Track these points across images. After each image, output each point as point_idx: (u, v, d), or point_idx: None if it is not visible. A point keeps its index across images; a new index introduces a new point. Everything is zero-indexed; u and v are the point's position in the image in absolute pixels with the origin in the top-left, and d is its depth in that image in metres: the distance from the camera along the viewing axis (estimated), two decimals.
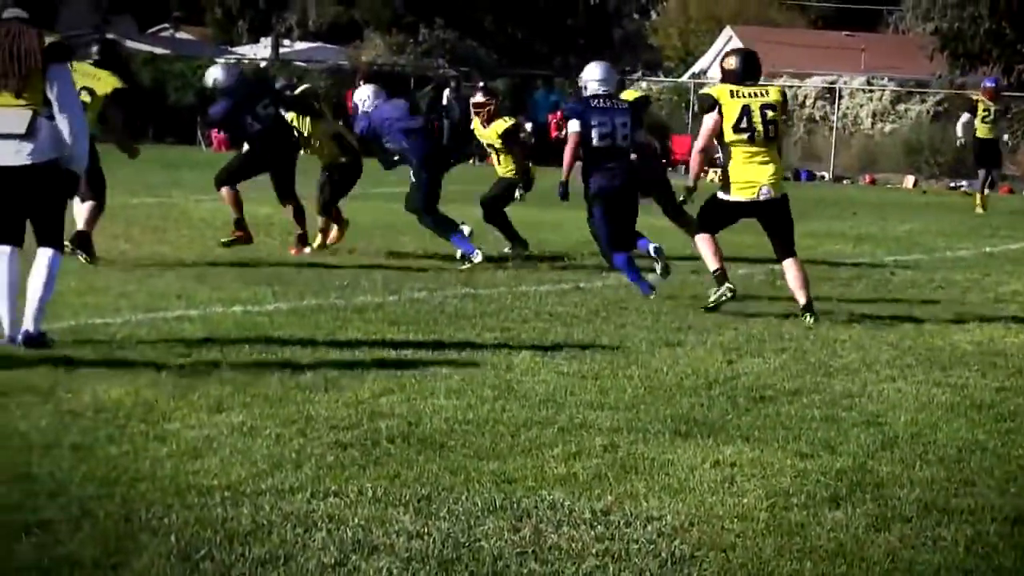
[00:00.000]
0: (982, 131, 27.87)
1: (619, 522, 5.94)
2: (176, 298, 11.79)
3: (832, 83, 46.68)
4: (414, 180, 15.41)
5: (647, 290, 13.00)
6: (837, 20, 73.75)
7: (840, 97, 45.32)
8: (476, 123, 16.71)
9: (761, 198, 12.08)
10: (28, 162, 9.16)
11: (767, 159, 12.10)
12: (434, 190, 15.44)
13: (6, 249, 9.34)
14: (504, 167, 16.40)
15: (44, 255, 9.37)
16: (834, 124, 44.25)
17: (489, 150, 16.70)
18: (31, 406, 7.56)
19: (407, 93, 45.54)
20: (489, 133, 16.40)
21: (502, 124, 16.36)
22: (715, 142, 12.20)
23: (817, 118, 46.03)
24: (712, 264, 12.25)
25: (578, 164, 13.41)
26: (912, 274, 15.92)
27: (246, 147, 15.73)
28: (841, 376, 9.42)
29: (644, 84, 48.66)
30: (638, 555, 5.57)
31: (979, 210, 27.72)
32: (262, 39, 62.23)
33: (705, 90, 12.59)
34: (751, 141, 12.00)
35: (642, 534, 5.81)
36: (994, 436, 7.79)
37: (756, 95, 12.10)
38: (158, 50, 51.29)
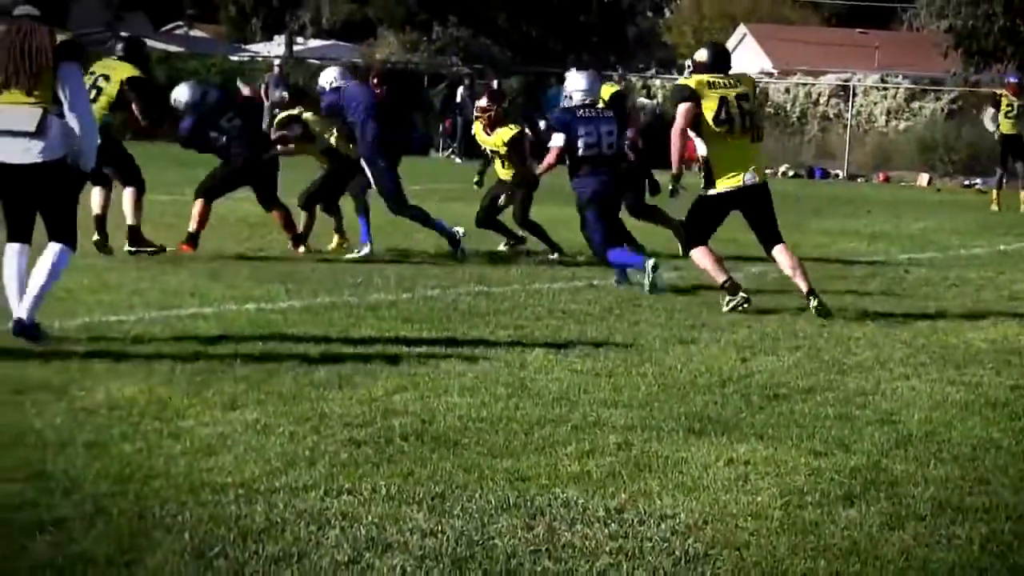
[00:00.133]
0: (1005, 127, 27.88)
1: (633, 520, 5.94)
2: (190, 296, 11.80)
3: (846, 81, 46.61)
4: (371, 172, 15.38)
5: (642, 263, 13.34)
6: (851, 17, 73.70)
7: (854, 95, 45.25)
8: (478, 128, 16.71)
9: (747, 183, 12.14)
10: (38, 160, 9.18)
11: (748, 149, 12.19)
12: (396, 179, 15.48)
13: (15, 246, 9.37)
14: (507, 171, 16.36)
15: (52, 248, 9.37)
16: (848, 122, 44.21)
17: (492, 154, 16.65)
18: (45, 404, 7.57)
19: (421, 91, 45.64)
20: (494, 140, 16.38)
21: (508, 132, 16.32)
22: (693, 134, 12.22)
23: (831, 116, 45.98)
24: (718, 277, 12.20)
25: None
26: (926, 272, 15.89)
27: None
28: (855, 374, 9.40)
29: (658, 82, 48.62)
30: (652, 553, 5.56)
31: (994, 207, 27.69)
32: (276, 37, 62.32)
33: (681, 81, 12.57)
34: (731, 132, 12.06)
35: (656, 532, 5.80)
36: (1009, 434, 7.78)
37: (730, 86, 12.17)
38: (172, 48, 51.33)
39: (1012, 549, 5.76)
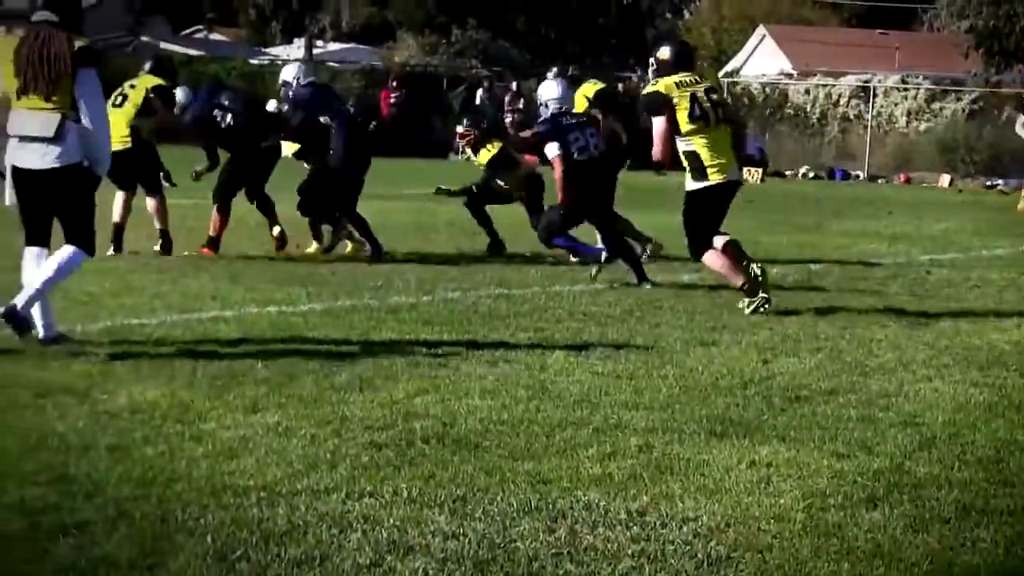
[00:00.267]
0: None
1: (655, 523, 5.92)
2: (211, 299, 11.82)
3: (866, 82, 46.52)
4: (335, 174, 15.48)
5: (596, 251, 13.93)
6: (871, 18, 73.50)
7: (874, 96, 45.17)
8: (468, 150, 16.77)
9: (733, 177, 12.30)
10: (56, 165, 9.20)
11: (725, 141, 12.30)
12: (355, 186, 15.56)
13: (33, 250, 9.40)
14: (514, 181, 16.28)
15: (65, 248, 9.38)
16: (868, 123, 44.13)
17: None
18: (68, 407, 7.58)
19: (440, 94, 45.69)
20: (479, 161, 16.45)
21: (486, 155, 16.31)
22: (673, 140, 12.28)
23: (851, 117, 45.90)
24: (736, 280, 12.19)
25: None
26: (948, 273, 15.85)
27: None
28: (877, 376, 9.38)
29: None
30: (674, 556, 5.55)
31: (1023, 205, 27.62)
32: (295, 40, 62.39)
33: (651, 87, 12.55)
34: (707, 127, 12.15)
35: (678, 535, 5.79)
36: None
37: (697, 82, 12.31)
38: (192, 52, 51.43)
39: None
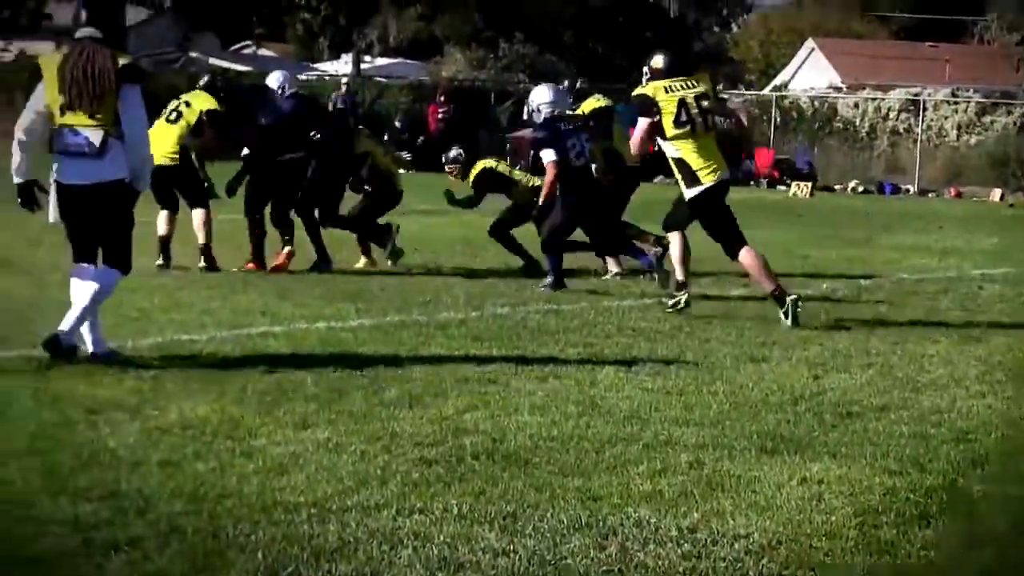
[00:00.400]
0: None
1: (706, 540, 5.90)
2: (260, 315, 11.85)
3: (916, 95, 46.32)
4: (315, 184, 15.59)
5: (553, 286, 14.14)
6: (920, 31, 73.24)
7: (924, 109, 44.96)
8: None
9: (724, 178, 12.39)
10: (99, 181, 9.26)
11: (712, 147, 12.39)
12: (337, 193, 15.62)
13: (84, 267, 9.44)
14: (519, 195, 16.19)
15: (101, 269, 9.42)
16: (918, 136, 43.92)
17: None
18: (119, 423, 7.61)
19: (487, 108, 45.71)
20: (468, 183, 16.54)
21: (471, 178, 16.37)
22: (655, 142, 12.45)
23: (901, 131, 45.69)
24: (768, 286, 12.24)
25: None
26: (1000, 288, 15.75)
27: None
28: (929, 392, 9.32)
29: (725, 97, 48.46)
30: (725, 573, 5.53)
31: None
32: (343, 55, 62.54)
33: (639, 91, 12.67)
34: (692, 133, 12.24)
35: (729, 552, 5.76)
36: None
37: (688, 87, 12.37)
38: (240, 67, 51.64)
39: None
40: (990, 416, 8.58)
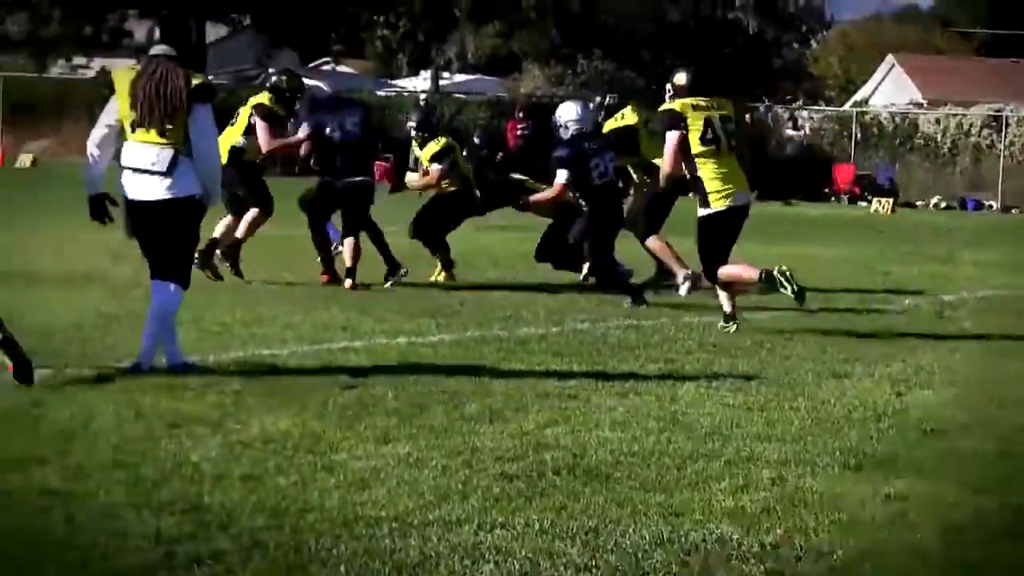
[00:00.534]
0: None
1: (789, 557, 5.85)
2: (341, 329, 11.88)
3: (998, 111, 45.94)
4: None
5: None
6: (1002, 47, 72.68)
7: (1007, 125, 44.59)
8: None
9: (739, 202, 12.48)
10: (167, 197, 9.32)
11: (734, 168, 12.51)
12: (327, 200, 15.52)
13: (161, 283, 9.47)
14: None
15: (165, 289, 9.48)
16: (1001, 152, 43.55)
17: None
18: (201, 437, 7.64)
19: None
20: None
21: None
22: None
23: (983, 147, 45.32)
24: (727, 305, 12.49)
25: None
26: None
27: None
28: (1014, 409, 9.21)
29: (805, 114, 48.27)
30: None
31: None
32: (422, 72, 62.76)
33: (666, 106, 12.76)
34: (717, 152, 12.38)
35: (813, 569, 5.72)
36: None
37: (713, 107, 12.53)
38: (319, 84, 51.87)
39: None
40: None
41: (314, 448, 7.48)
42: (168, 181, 9.31)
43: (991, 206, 41.60)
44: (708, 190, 12.32)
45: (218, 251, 15.21)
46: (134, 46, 46.67)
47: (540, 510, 6.41)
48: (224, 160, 14.46)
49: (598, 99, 17.57)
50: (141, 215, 9.43)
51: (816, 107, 51.85)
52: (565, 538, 6.00)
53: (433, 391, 9.13)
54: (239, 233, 15.21)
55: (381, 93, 50.46)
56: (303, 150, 15.37)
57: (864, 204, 39.49)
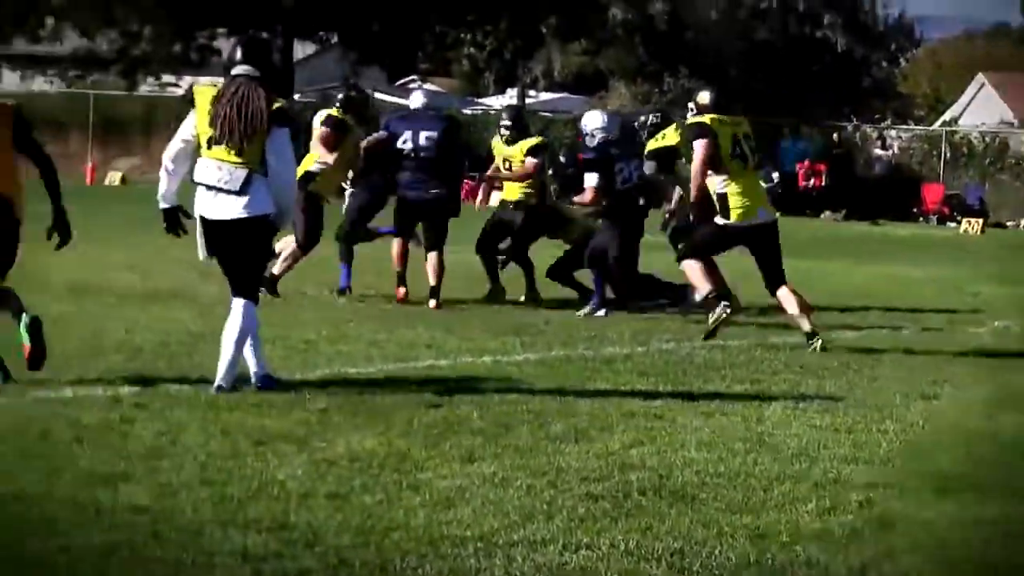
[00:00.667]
0: None
1: None
2: (426, 348, 11.90)
3: None
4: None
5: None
6: None
7: None
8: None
9: (760, 220, 12.64)
10: (243, 215, 9.36)
11: (756, 184, 12.89)
12: (365, 213, 15.62)
13: (236, 300, 9.51)
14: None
15: (238, 309, 9.50)
16: None
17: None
18: (287, 455, 7.67)
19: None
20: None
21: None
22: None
23: None
24: (704, 287, 12.69)
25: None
26: None
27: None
28: None
29: (893, 132, 47.94)
30: None
31: None
32: (508, 90, 62.87)
33: (693, 119, 13.03)
34: (744, 168, 12.63)
35: None
36: None
37: (736, 124, 12.83)
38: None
39: None
40: None
41: (399, 467, 7.49)
42: (243, 200, 9.35)
43: None
44: (732, 205, 12.54)
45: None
46: (223, 64, 46.86)
47: (625, 531, 6.39)
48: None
49: (643, 118, 17.62)
50: (217, 234, 9.48)
51: (905, 126, 51.47)
52: (650, 559, 5.98)
53: (518, 410, 9.13)
54: (276, 269, 15.04)
55: (468, 111, 50.57)
56: (363, 148, 15.40)
57: (953, 224, 39.17)
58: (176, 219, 9.65)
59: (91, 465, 7.22)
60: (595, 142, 15.03)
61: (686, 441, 8.36)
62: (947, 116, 60.06)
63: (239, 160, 9.35)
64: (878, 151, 44.80)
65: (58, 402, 8.83)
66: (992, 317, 15.45)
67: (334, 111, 15.53)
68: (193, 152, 9.58)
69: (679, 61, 57.22)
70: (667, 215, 15.49)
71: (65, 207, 9.60)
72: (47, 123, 47.93)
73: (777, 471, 7.66)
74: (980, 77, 65.48)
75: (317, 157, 15.30)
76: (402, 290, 15.13)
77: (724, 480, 7.43)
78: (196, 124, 9.52)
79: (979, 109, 60.91)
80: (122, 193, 36.38)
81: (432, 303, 14.85)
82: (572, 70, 64.79)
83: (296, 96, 44.63)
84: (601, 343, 12.56)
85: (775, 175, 43.58)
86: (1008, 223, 40.96)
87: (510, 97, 60.98)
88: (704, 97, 13.04)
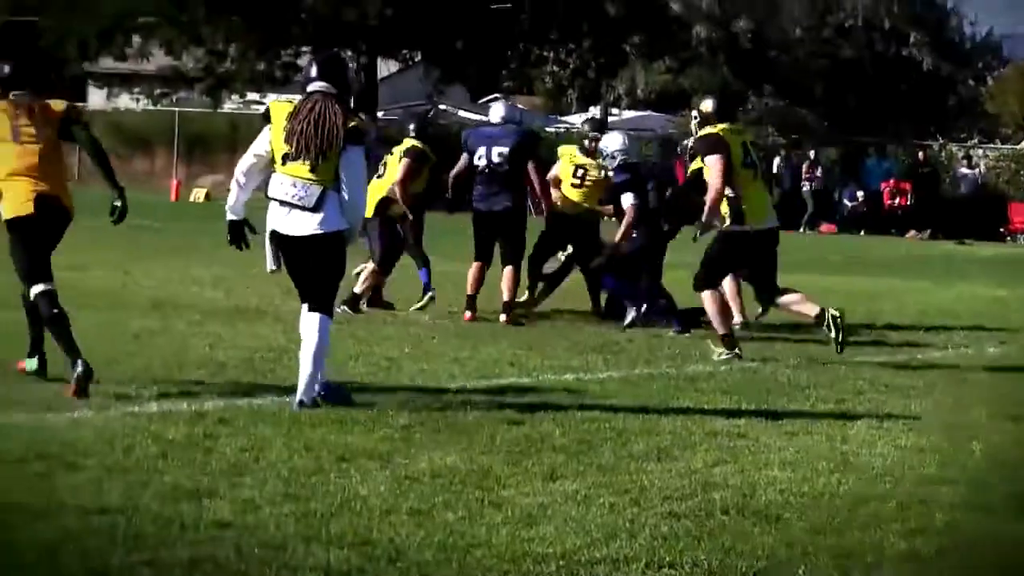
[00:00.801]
0: None
1: None
2: (509, 365, 11.91)
3: None
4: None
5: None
6: None
7: None
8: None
9: (772, 224, 12.81)
10: (317, 232, 9.40)
11: (765, 190, 13.12)
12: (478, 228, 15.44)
13: (310, 315, 9.55)
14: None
15: (313, 324, 9.52)
16: None
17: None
18: (370, 471, 7.68)
19: None
20: None
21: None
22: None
23: None
24: (721, 328, 12.63)
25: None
26: None
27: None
28: None
29: (980, 151, 47.57)
30: None
31: None
32: (591, 108, 62.89)
33: (706, 131, 12.82)
34: (755, 176, 12.75)
35: None
36: None
37: (742, 133, 12.99)
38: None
39: None
40: None
41: (482, 484, 7.49)
42: (319, 216, 9.39)
43: None
44: (745, 210, 12.53)
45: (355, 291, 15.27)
46: (300, 81, 46.91)
47: (708, 550, 6.35)
48: (371, 212, 14.16)
49: (685, 143, 18.03)
50: (291, 249, 9.53)
51: (991, 145, 51.04)
52: None
53: (600, 428, 9.11)
54: (357, 288, 15.24)
55: (550, 129, 50.58)
56: (451, 177, 15.61)
57: None
58: (241, 232, 9.73)
59: (175, 480, 7.27)
60: (615, 163, 15.19)
61: (769, 460, 8.32)
62: None
63: (314, 177, 9.40)
64: (964, 170, 44.49)
65: (143, 417, 8.90)
66: None
67: (416, 143, 15.60)
68: (265, 167, 9.64)
69: (763, 79, 57.00)
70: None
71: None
72: (133, 140, 48.50)
73: (862, 491, 7.60)
74: None
75: (391, 183, 15.35)
76: (468, 314, 15.12)
77: (808, 500, 7.39)
78: (271, 140, 9.57)
79: None
80: (206, 209, 36.62)
81: (503, 318, 14.85)
82: (655, 88, 64.70)
83: (379, 114, 44.83)
84: (684, 361, 12.53)
85: (859, 193, 43.52)
86: None
87: (593, 115, 61.01)
88: (707, 105, 12.98)
